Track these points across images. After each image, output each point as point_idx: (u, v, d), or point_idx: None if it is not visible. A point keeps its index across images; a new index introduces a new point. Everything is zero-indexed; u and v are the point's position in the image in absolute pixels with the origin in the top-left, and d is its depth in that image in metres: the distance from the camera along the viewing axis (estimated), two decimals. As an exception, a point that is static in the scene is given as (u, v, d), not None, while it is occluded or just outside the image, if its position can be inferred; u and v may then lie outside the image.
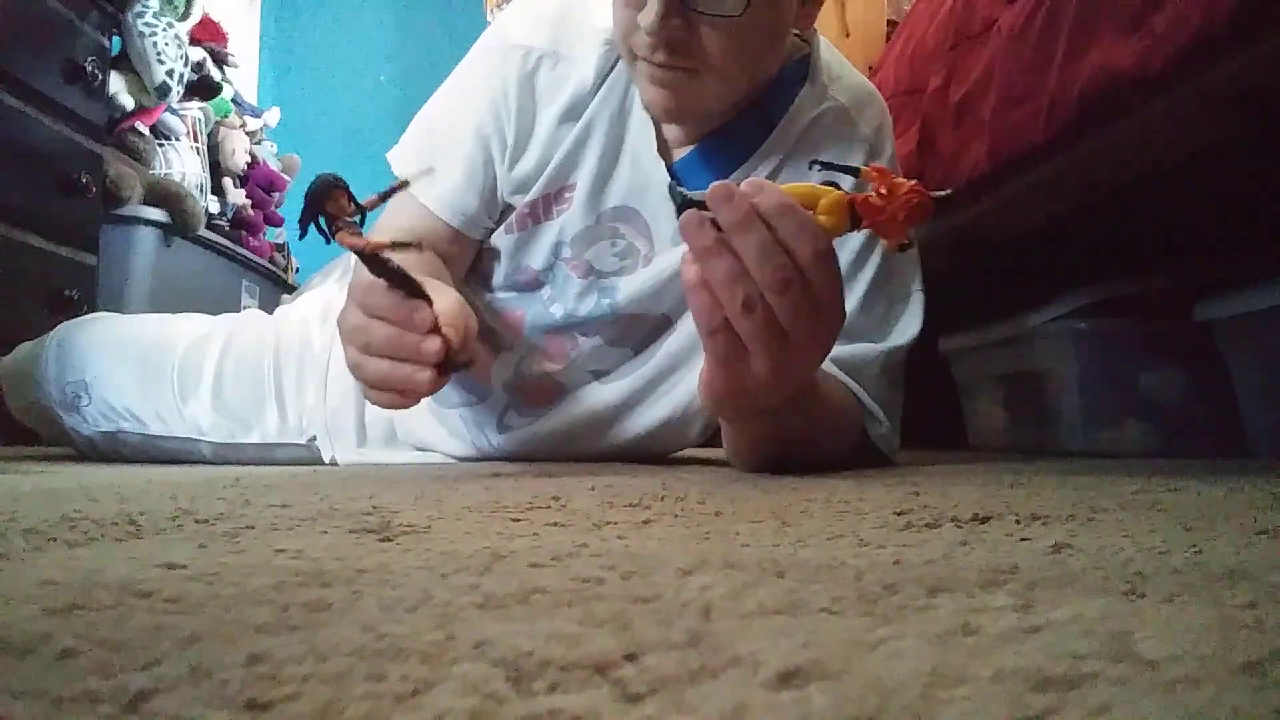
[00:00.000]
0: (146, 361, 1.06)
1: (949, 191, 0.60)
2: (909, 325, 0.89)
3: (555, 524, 0.41)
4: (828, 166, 0.61)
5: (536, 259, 0.96)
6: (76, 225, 1.75)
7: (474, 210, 0.94)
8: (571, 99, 0.91)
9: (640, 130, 0.91)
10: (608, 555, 0.31)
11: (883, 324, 0.87)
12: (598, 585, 0.26)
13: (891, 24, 2.03)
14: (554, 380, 0.99)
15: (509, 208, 0.96)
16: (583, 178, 0.92)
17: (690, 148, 0.91)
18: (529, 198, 0.94)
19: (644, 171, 0.91)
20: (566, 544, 0.34)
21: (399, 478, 0.76)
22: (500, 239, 0.96)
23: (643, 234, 0.93)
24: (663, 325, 0.95)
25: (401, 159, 0.97)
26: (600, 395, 0.99)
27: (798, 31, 0.91)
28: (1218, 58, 0.75)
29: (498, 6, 2.95)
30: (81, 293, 1.69)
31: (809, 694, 0.16)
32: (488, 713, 0.15)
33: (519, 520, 0.43)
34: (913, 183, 0.58)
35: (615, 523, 0.41)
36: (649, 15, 0.75)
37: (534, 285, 0.97)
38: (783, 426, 0.72)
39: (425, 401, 1.04)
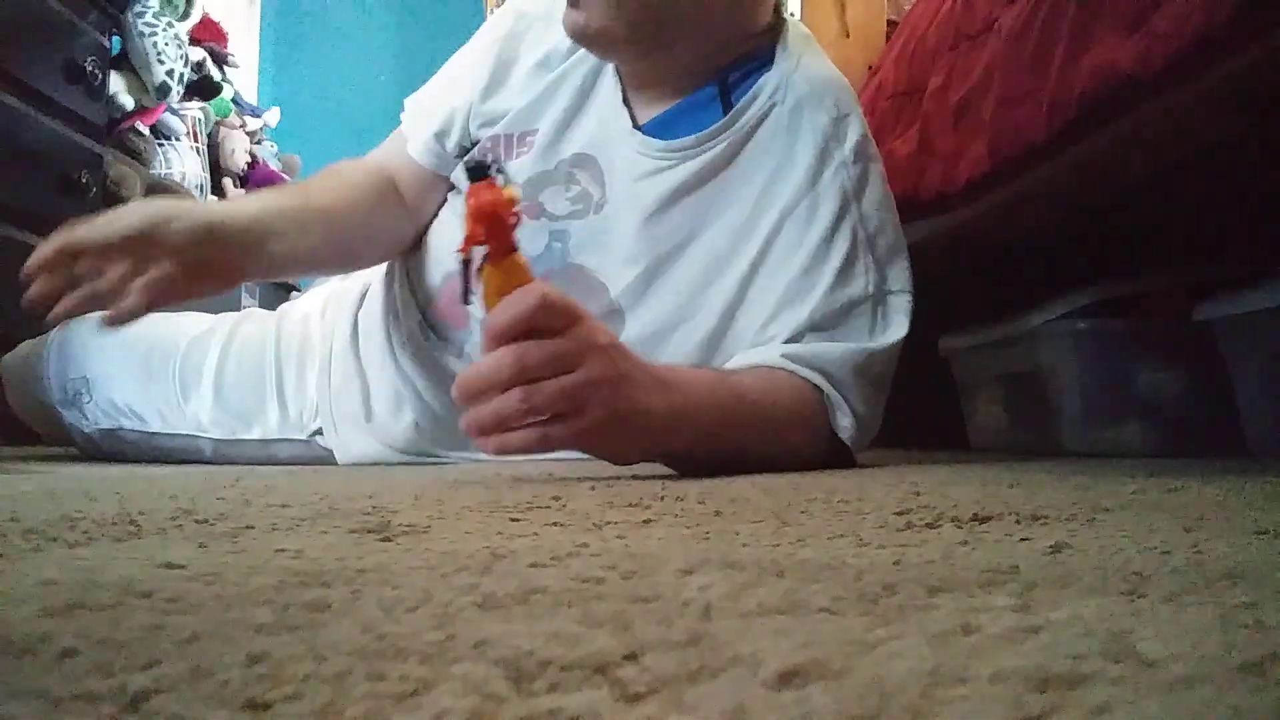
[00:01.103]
0: (148, 359, 1.06)
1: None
2: (890, 330, 0.87)
3: (555, 524, 0.41)
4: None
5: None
6: (76, 225, 1.75)
7: (450, 150, 0.99)
8: (550, 51, 0.96)
9: (610, 89, 0.94)
10: (608, 555, 0.31)
11: (854, 317, 0.86)
12: (598, 585, 0.26)
13: (891, 24, 2.03)
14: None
15: (474, 143, 0.99)
16: (545, 125, 0.95)
17: (653, 115, 0.93)
18: (492, 132, 0.97)
19: (606, 122, 0.94)
20: (566, 544, 0.34)
21: (399, 478, 0.76)
22: (460, 173, 0.99)
23: (596, 180, 0.95)
24: (596, 292, 0.93)
25: (407, 106, 1.04)
26: None
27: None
28: (1218, 58, 0.75)
29: (497, 6, 2.95)
30: (81, 293, 1.69)
31: (809, 694, 0.16)
32: (488, 713, 0.15)
33: (519, 520, 0.43)
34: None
35: (615, 523, 0.41)
36: None
37: None
38: (703, 452, 0.72)
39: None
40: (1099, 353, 1.26)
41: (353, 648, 0.19)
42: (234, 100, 2.56)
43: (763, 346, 0.84)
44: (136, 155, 2.09)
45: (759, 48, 0.93)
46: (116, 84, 2.03)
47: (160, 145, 2.21)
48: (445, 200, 1.03)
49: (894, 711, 0.15)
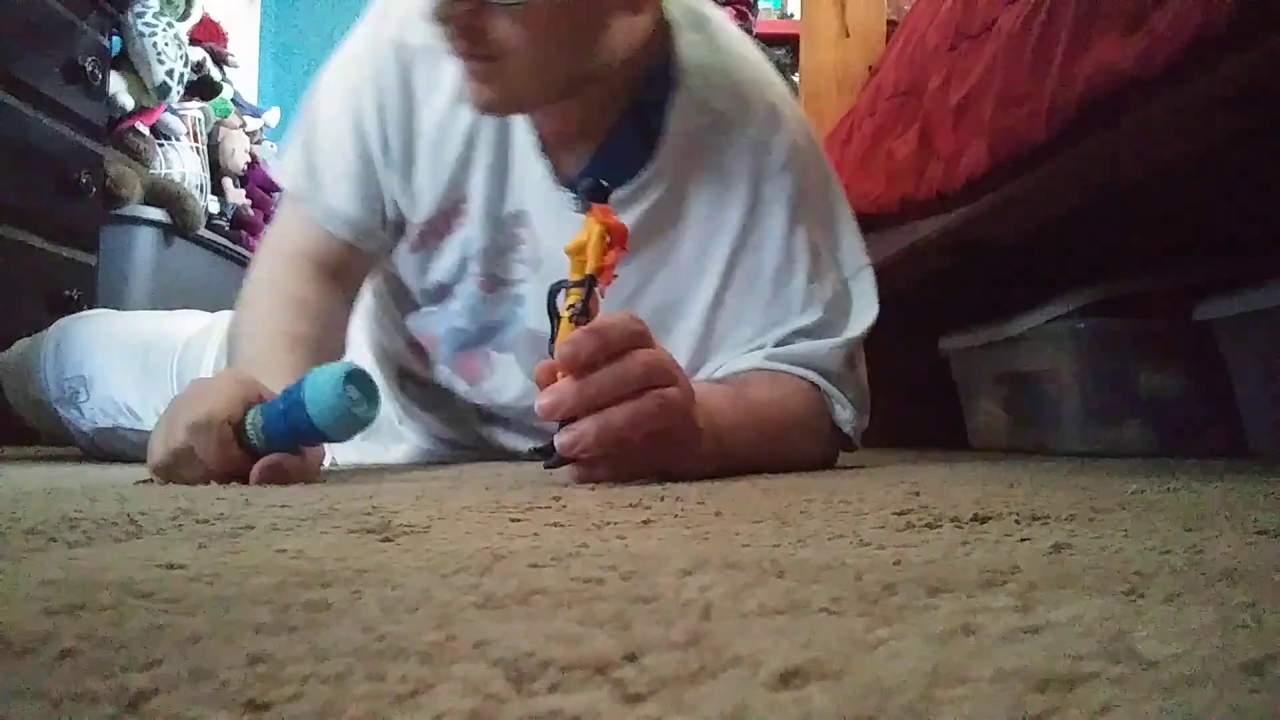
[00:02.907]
0: (145, 358, 1.06)
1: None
2: (864, 313, 0.88)
3: (555, 524, 0.41)
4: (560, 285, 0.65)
5: (443, 273, 0.92)
6: (76, 225, 1.75)
7: (364, 221, 0.89)
8: (451, 98, 0.85)
9: (524, 137, 0.86)
10: (608, 555, 0.31)
11: (833, 315, 0.86)
12: (598, 585, 0.26)
13: (891, 24, 2.03)
14: (468, 405, 0.98)
15: (397, 217, 0.91)
16: (475, 189, 0.87)
17: (577, 164, 0.86)
18: (425, 215, 0.89)
19: (530, 176, 0.86)
20: (566, 544, 0.34)
21: (399, 478, 0.76)
22: (404, 256, 0.93)
23: (535, 236, 0.88)
24: None
25: (287, 170, 0.91)
26: (516, 427, 0.98)
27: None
28: (1218, 58, 0.75)
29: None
30: (81, 293, 1.69)
31: (809, 694, 0.16)
32: (488, 713, 0.15)
33: (519, 520, 0.43)
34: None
35: (615, 523, 0.41)
36: (433, 1, 0.71)
37: (443, 297, 0.93)
38: (725, 466, 0.72)
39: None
40: (1099, 353, 1.26)
41: (353, 648, 0.19)
42: (234, 100, 2.56)
43: (754, 352, 0.84)
44: (136, 155, 2.09)
45: (651, 53, 0.84)
46: (116, 84, 2.03)
47: (160, 145, 2.21)
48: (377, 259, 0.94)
49: (894, 711, 0.15)
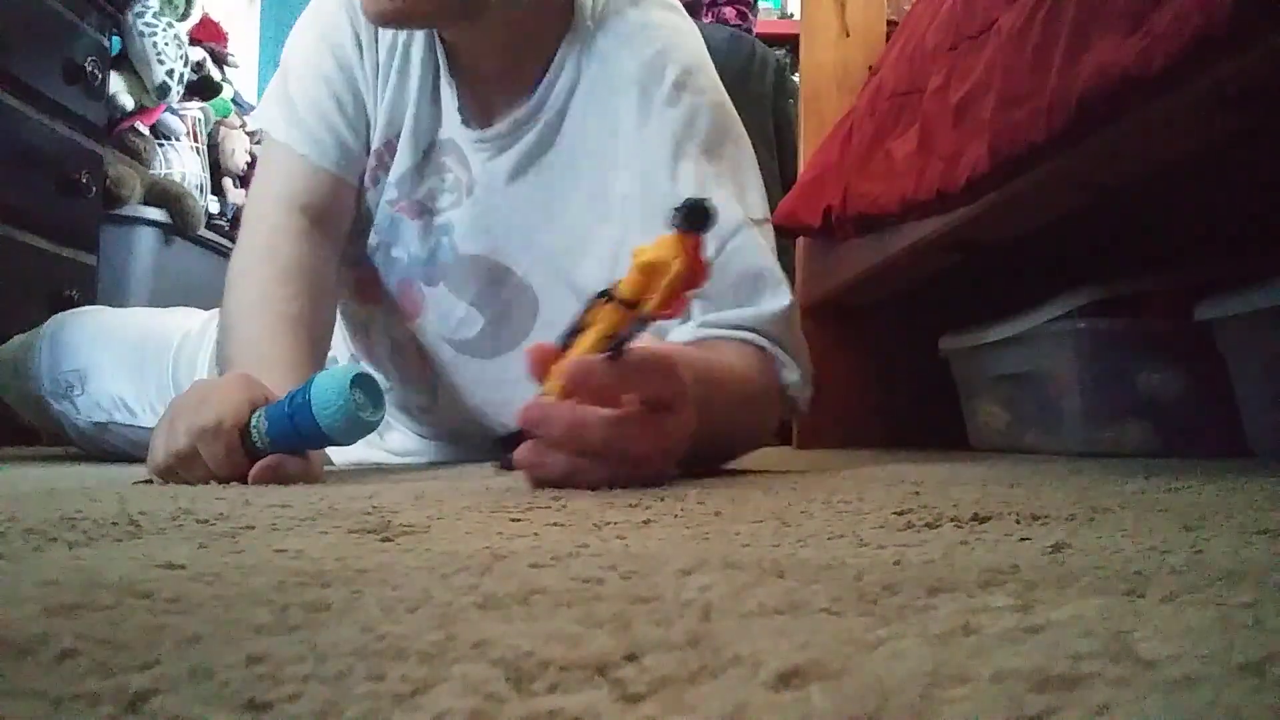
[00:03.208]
0: (141, 354, 1.06)
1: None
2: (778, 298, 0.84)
3: (555, 524, 0.41)
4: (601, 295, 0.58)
5: (376, 209, 0.94)
6: (76, 225, 1.75)
7: (346, 145, 0.91)
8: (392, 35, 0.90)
9: (441, 68, 0.90)
10: (608, 555, 0.31)
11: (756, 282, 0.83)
12: (598, 585, 0.26)
13: (891, 24, 2.03)
14: (420, 347, 0.98)
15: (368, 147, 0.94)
16: (406, 118, 0.91)
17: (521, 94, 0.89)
18: (376, 144, 0.92)
19: (447, 105, 0.90)
20: (566, 544, 0.34)
21: (399, 478, 0.76)
22: (364, 197, 0.95)
23: (463, 164, 0.91)
24: (502, 276, 0.92)
25: (267, 114, 0.93)
26: (470, 372, 0.97)
27: None
28: (1218, 58, 0.75)
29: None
30: (81, 293, 1.69)
31: (809, 694, 0.16)
32: (488, 713, 0.15)
33: (519, 520, 0.43)
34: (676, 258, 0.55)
35: (615, 523, 0.41)
36: None
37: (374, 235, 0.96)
38: (703, 451, 0.70)
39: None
40: (1099, 353, 1.26)
41: (353, 648, 0.19)
42: (234, 100, 2.56)
43: (693, 325, 0.81)
44: (136, 155, 2.09)
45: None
46: (116, 84, 2.03)
47: (160, 145, 2.21)
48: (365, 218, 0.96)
49: (894, 711, 0.15)
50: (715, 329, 0.80)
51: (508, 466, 0.58)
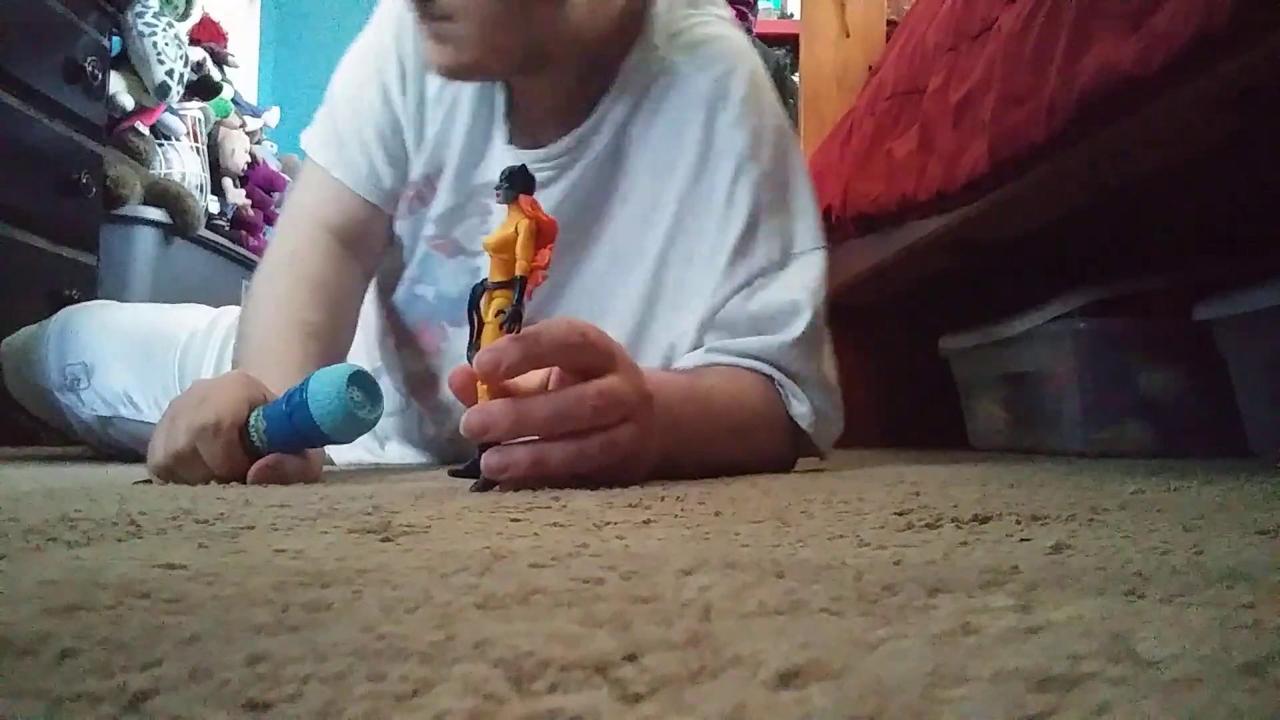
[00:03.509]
0: (148, 349, 1.06)
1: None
2: (808, 297, 0.83)
3: (555, 524, 0.41)
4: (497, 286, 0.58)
5: (410, 241, 0.94)
6: (76, 225, 1.75)
7: (386, 179, 0.91)
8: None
9: (500, 108, 0.88)
10: (608, 555, 0.31)
11: (780, 309, 0.83)
12: (598, 585, 0.26)
13: (891, 24, 2.03)
14: (436, 382, 0.96)
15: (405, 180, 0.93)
16: (451, 155, 0.89)
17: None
18: (414, 177, 0.91)
19: (496, 143, 0.88)
20: (566, 544, 0.34)
21: (399, 478, 0.76)
22: (399, 227, 0.94)
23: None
24: (533, 317, 0.91)
25: (312, 138, 0.93)
26: None
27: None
28: (1218, 58, 0.75)
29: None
30: (81, 293, 1.69)
31: (809, 694, 0.16)
32: (488, 713, 0.15)
33: (519, 520, 0.43)
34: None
35: (615, 523, 0.41)
36: None
37: (402, 268, 0.95)
38: (677, 460, 0.69)
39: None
40: (1099, 353, 1.26)
41: (353, 648, 0.19)
42: (234, 100, 2.56)
43: (702, 350, 0.82)
44: (136, 155, 2.09)
45: (626, 17, 0.84)
46: (116, 84, 2.03)
47: (160, 145, 2.21)
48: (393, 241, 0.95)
49: (894, 711, 0.15)
50: (718, 355, 0.81)
51: (485, 487, 0.58)
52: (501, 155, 0.88)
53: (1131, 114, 0.88)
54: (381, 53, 0.91)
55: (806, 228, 0.86)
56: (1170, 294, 1.23)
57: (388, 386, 0.99)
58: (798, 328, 0.81)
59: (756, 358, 0.81)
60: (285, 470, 0.65)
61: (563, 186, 0.87)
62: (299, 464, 0.66)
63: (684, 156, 0.84)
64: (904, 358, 1.77)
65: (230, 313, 1.12)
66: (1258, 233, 1.23)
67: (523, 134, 0.88)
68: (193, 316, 1.11)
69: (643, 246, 0.86)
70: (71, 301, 1.62)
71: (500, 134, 0.88)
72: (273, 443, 0.65)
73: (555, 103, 0.87)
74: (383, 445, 1.05)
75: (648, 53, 0.85)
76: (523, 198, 0.57)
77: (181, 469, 0.65)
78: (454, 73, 0.78)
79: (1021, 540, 0.36)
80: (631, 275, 0.87)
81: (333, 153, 0.91)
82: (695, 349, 0.83)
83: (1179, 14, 0.75)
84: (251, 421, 0.66)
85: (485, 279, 0.59)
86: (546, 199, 0.85)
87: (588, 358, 0.58)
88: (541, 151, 0.87)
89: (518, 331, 0.55)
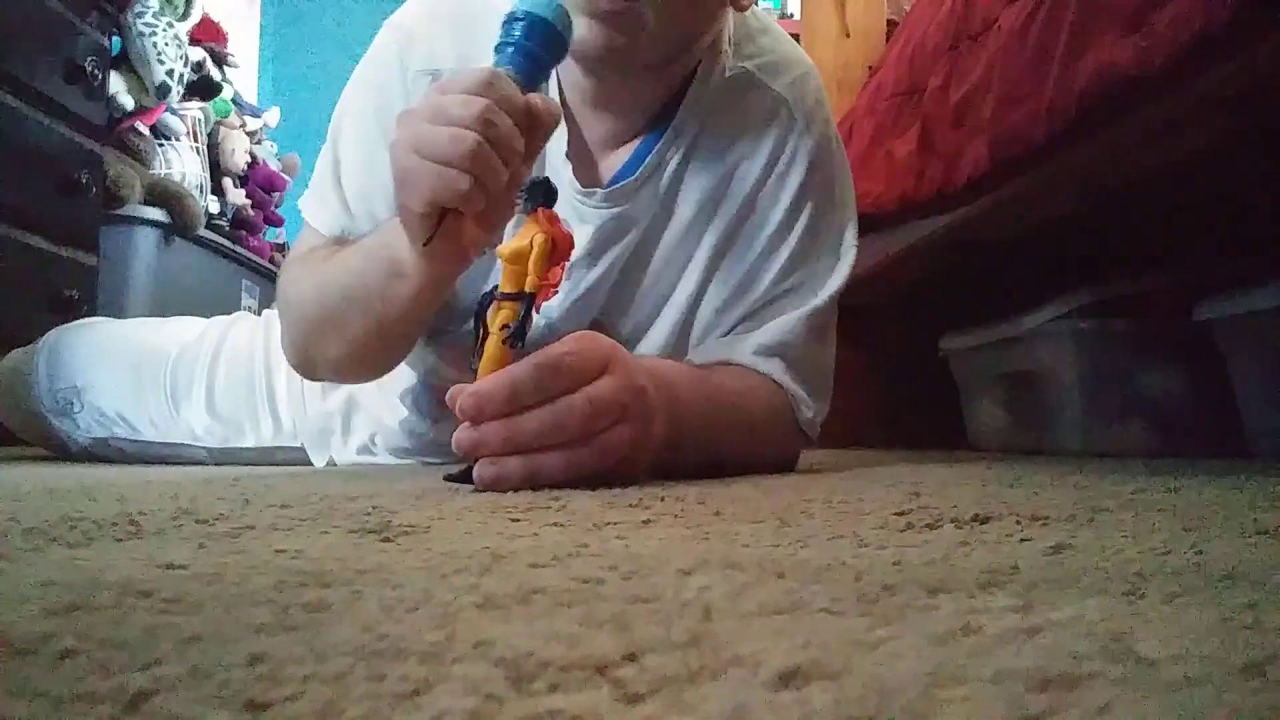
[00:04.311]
0: (139, 368, 1.06)
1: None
2: (834, 280, 0.86)
3: (555, 524, 0.41)
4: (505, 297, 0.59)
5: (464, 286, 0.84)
6: (76, 225, 1.75)
7: None
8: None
9: (555, 144, 0.81)
10: (608, 555, 0.31)
11: (810, 283, 0.85)
12: (598, 585, 0.26)
13: (891, 24, 2.03)
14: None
15: None
16: None
17: (628, 148, 0.84)
18: None
19: (556, 172, 0.82)
20: (566, 544, 0.34)
21: (399, 478, 0.76)
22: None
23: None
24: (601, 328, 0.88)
25: (321, 216, 0.86)
26: None
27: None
28: (1218, 58, 0.75)
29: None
30: (81, 293, 1.69)
31: (809, 694, 0.16)
32: (488, 713, 0.15)
33: (519, 520, 0.43)
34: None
35: (615, 523, 0.41)
36: None
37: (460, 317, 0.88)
38: (683, 456, 0.69)
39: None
40: (1099, 353, 1.26)
41: (353, 648, 0.19)
42: (234, 100, 2.56)
43: (727, 342, 0.83)
44: (136, 155, 2.09)
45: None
46: (116, 84, 2.03)
47: (160, 145, 2.21)
48: None
49: (894, 711, 0.15)
50: (753, 359, 0.81)
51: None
52: (570, 199, 0.82)
53: (1131, 114, 0.88)
54: (382, 76, 0.86)
55: (850, 232, 0.89)
56: (1170, 294, 1.23)
57: (426, 401, 0.97)
58: (819, 297, 0.84)
59: (770, 352, 0.82)
60: (548, 119, 0.61)
61: (614, 226, 0.84)
62: (551, 107, 0.61)
63: (754, 162, 0.84)
64: (904, 358, 1.77)
65: (219, 324, 1.12)
66: (1257, 233, 1.23)
67: (580, 167, 0.84)
68: (182, 330, 1.10)
69: (700, 244, 0.85)
70: (72, 301, 1.62)
71: (563, 169, 0.83)
72: (526, 77, 0.60)
73: (615, 128, 0.84)
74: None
75: (718, 60, 0.84)
76: (541, 210, 0.57)
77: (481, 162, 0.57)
78: (617, 57, 0.74)
79: (1021, 540, 0.36)
80: (688, 270, 0.86)
81: (349, 227, 0.85)
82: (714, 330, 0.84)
83: (1179, 14, 0.75)
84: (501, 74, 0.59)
85: (495, 287, 0.59)
86: (598, 239, 0.84)
87: (566, 382, 0.57)
88: (605, 191, 0.83)
89: (520, 347, 0.56)
